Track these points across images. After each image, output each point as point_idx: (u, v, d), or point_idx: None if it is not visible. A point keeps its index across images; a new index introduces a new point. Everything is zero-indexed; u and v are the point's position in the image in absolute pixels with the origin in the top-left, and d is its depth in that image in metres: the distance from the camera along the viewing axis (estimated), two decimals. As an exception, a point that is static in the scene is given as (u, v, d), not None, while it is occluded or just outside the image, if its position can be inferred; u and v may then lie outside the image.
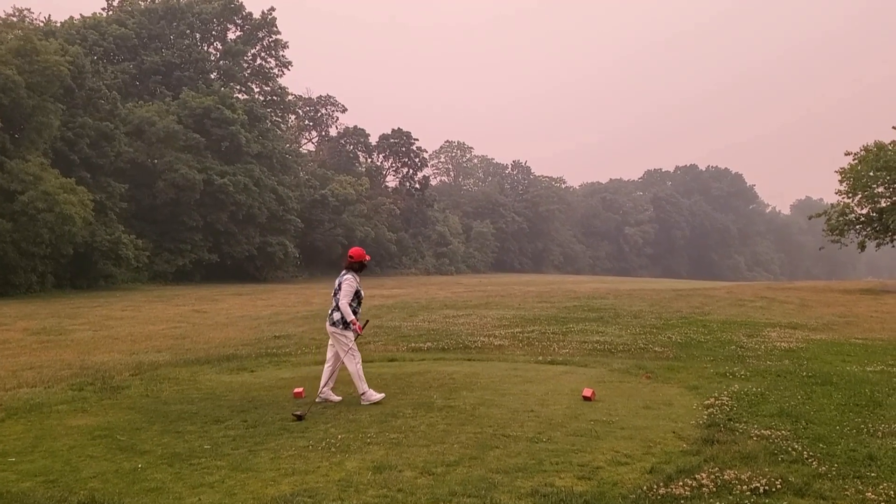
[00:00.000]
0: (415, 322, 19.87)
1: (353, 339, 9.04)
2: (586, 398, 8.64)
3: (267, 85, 68.81)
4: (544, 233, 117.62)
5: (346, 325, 8.97)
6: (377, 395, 8.87)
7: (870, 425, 7.17)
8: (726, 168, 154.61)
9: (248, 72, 67.78)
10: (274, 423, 7.84)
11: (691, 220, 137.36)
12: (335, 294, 9.09)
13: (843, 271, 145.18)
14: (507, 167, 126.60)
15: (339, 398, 9.07)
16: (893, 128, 39.61)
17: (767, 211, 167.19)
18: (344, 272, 9.19)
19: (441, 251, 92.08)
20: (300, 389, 9.38)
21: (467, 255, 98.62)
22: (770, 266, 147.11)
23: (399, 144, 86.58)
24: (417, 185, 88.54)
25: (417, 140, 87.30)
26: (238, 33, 66.68)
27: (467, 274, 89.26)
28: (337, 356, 9.10)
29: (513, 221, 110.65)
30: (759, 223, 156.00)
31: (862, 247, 41.58)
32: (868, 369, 10.97)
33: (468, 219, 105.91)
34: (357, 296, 9.08)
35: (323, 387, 9.01)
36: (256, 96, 67.39)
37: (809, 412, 7.78)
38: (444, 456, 6.33)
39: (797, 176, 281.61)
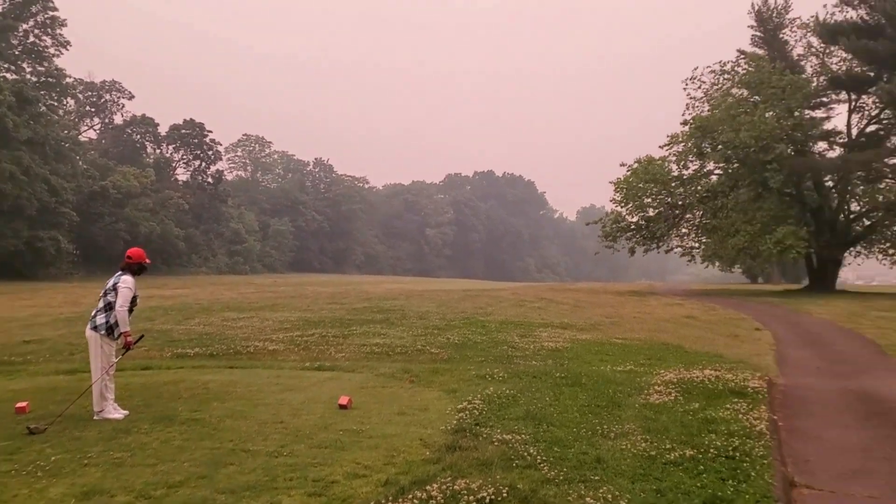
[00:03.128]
0: (189, 325, 18.73)
1: (115, 349, 8.21)
2: (342, 406, 8.39)
3: (41, 65, 62.79)
4: (346, 232, 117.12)
5: (109, 331, 8.09)
6: (118, 413, 8.05)
7: (605, 427, 7.46)
8: (520, 175, 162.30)
9: (19, 49, 61.47)
10: (-20, 444, 6.87)
11: (487, 223, 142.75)
12: (105, 295, 8.20)
13: (621, 274, 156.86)
14: (308, 164, 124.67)
15: (125, 413, 8.10)
16: (660, 147, 43.25)
17: (556, 217, 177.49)
18: (120, 273, 8.33)
19: (235, 249, 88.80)
20: (24, 404, 8.36)
21: (264, 253, 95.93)
22: (557, 268, 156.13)
23: (191, 136, 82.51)
24: (210, 180, 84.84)
25: (211, 132, 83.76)
26: (6, 5, 60.31)
27: (263, 274, 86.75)
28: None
29: (313, 220, 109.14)
30: (548, 228, 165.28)
31: (632, 252, 45.00)
32: (618, 369, 11.61)
33: (266, 216, 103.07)
34: (133, 301, 8.26)
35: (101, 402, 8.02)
36: (28, 77, 61.31)
37: (553, 414, 8.00)
38: (169, 476, 5.79)
39: (585, 184, 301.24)
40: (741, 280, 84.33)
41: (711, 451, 6.55)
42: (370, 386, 9.97)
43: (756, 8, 44.78)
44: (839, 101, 43.83)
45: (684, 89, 44.53)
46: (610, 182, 42.72)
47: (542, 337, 16.77)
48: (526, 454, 6.30)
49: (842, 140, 43.70)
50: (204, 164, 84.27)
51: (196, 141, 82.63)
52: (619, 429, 7.38)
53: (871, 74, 39.21)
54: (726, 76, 42.68)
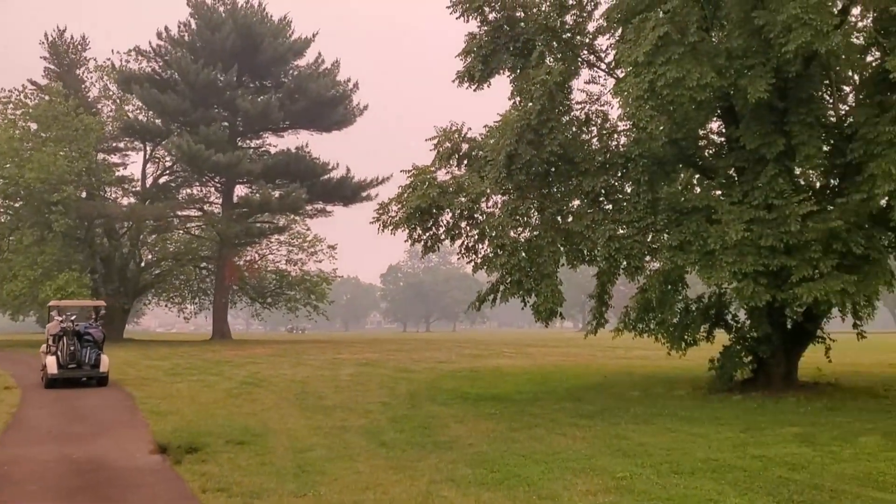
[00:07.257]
0: None
1: None
2: None
3: None
4: None
5: None
6: None
7: None
8: None
9: None
10: None
11: None
12: None
13: None
14: None
15: None
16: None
17: None
18: None
19: None
20: None
21: None
22: None
23: None
24: None
25: None
26: None
27: None
28: None
29: None
30: None
31: None
32: None
33: None
34: None
35: None
36: None
37: None
38: None
39: None
40: (38, 329, 78.49)
41: None
42: None
43: (50, 39, 41.99)
44: (135, 149, 44.21)
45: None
46: None
47: None
48: None
49: (136, 188, 44.05)
50: None
51: None
52: None
53: (164, 127, 40.47)
54: (12, 106, 38.58)
